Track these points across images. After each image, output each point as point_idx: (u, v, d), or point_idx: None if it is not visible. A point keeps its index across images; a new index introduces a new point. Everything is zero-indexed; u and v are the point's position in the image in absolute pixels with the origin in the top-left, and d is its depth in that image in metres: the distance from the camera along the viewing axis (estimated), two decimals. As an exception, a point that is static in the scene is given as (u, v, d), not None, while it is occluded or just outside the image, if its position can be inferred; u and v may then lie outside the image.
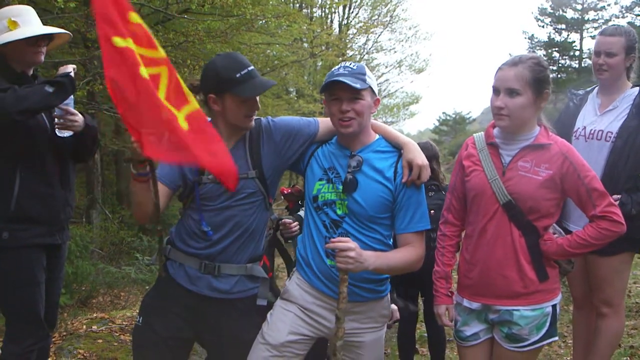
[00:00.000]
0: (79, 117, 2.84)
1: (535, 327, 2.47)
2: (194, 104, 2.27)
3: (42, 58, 2.89)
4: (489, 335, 2.62)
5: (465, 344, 2.67)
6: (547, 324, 2.48)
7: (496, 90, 2.48)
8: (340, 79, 2.34)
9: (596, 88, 3.44)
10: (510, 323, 2.49)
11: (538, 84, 2.43)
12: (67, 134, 2.84)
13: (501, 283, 2.49)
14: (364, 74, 2.40)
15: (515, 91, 2.42)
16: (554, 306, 2.50)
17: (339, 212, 2.47)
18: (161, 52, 2.23)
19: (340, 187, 2.45)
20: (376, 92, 2.48)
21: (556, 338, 2.56)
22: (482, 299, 2.57)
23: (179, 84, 2.25)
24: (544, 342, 2.50)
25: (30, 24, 2.84)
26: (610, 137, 3.21)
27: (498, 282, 2.50)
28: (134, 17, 2.15)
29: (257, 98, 2.50)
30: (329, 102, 2.44)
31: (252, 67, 2.47)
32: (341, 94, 2.38)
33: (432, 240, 3.92)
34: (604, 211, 2.39)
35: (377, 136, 2.54)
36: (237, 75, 2.41)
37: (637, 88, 3.26)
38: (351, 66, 2.43)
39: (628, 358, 4.30)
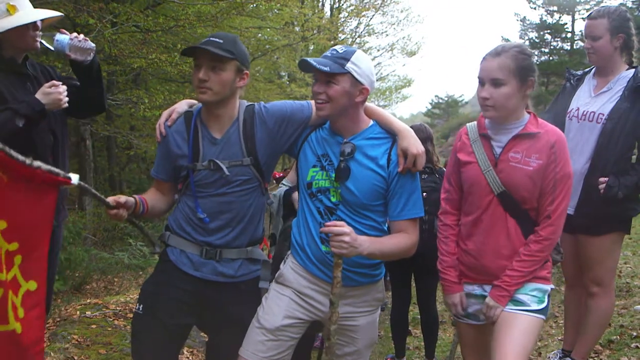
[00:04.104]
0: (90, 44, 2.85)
1: (536, 298, 2.45)
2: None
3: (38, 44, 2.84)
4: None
5: (463, 320, 2.69)
6: (545, 302, 2.47)
7: (481, 81, 2.47)
8: (310, 60, 2.32)
9: (593, 69, 3.44)
10: None
11: (522, 72, 2.41)
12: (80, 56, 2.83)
13: (497, 271, 2.50)
14: (347, 60, 2.32)
15: (500, 81, 2.40)
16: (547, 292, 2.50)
17: (333, 199, 2.45)
18: None
19: (334, 175, 2.43)
20: (363, 81, 2.35)
21: (544, 317, 2.55)
22: (479, 281, 2.59)
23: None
24: (541, 316, 2.48)
25: (25, 7, 2.79)
26: (601, 119, 3.21)
27: (493, 271, 2.51)
28: None
29: (218, 74, 2.37)
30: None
31: (219, 38, 2.39)
32: (319, 76, 2.36)
33: (424, 223, 3.93)
34: (553, 209, 2.40)
35: (371, 122, 2.50)
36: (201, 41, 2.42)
37: (632, 70, 3.25)
38: (338, 50, 2.38)
39: (618, 337, 4.34)
